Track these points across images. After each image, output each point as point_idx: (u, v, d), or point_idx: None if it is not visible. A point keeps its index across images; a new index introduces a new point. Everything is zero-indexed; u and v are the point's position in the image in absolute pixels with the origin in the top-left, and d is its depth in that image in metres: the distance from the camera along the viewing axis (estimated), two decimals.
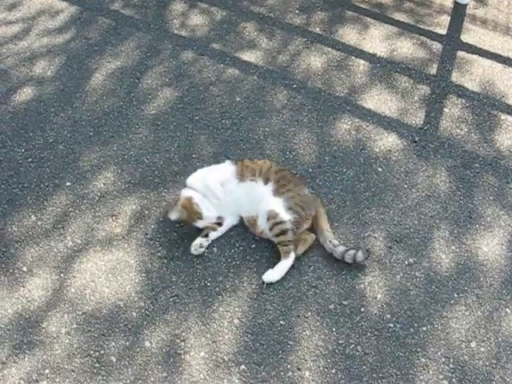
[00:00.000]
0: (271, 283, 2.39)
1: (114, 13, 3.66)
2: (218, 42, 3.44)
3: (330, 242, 2.45)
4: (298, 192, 2.51)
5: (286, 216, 2.42)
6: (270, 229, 2.43)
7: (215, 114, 3.04)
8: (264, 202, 2.46)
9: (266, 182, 2.51)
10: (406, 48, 3.39)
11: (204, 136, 2.94)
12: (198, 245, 2.46)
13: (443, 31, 3.49)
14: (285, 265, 2.40)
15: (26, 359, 2.23)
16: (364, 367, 2.19)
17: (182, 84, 3.20)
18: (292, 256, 2.41)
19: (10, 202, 2.70)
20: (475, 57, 3.33)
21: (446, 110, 3.05)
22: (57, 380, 2.17)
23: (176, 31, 3.52)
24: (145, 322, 2.31)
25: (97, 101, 3.13)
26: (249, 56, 3.35)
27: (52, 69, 3.32)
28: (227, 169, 2.56)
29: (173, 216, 2.48)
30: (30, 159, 2.87)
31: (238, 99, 3.12)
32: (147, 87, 3.19)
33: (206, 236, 2.50)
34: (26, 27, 3.59)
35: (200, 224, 2.48)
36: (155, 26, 3.55)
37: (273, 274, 2.39)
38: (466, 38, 3.44)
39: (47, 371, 2.20)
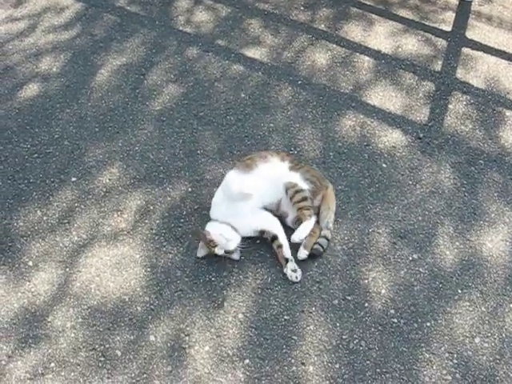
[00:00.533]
0: (301, 241, 2.44)
1: (120, 9, 3.67)
2: (222, 39, 3.45)
3: (327, 221, 2.52)
4: (311, 168, 2.66)
5: (304, 185, 2.51)
6: (291, 197, 2.48)
7: (220, 110, 3.05)
8: (283, 176, 2.53)
9: (282, 159, 2.59)
10: (411, 45, 3.39)
11: (209, 132, 2.95)
12: (291, 270, 2.40)
13: (448, 28, 3.49)
14: (307, 225, 2.45)
15: (32, 353, 2.24)
16: (368, 362, 2.19)
17: (187, 80, 3.21)
18: (313, 218, 2.48)
19: (16, 197, 2.72)
20: (480, 53, 3.33)
21: (450, 106, 3.05)
22: (62, 373, 2.18)
23: (181, 28, 3.53)
24: (150, 317, 2.32)
25: (102, 97, 3.14)
26: (254, 52, 3.35)
27: (57, 65, 3.33)
28: (237, 174, 2.52)
29: (200, 254, 2.46)
30: (35, 155, 2.88)
31: (242, 95, 3.12)
32: (152, 83, 3.20)
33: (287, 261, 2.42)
34: (32, 24, 3.60)
35: (223, 252, 2.41)
36: (160, 23, 3.56)
37: (299, 234, 2.44)
38: (470, 34, 3.44)
39: (53, 365, 2.21)
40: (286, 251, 2.42)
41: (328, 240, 2.49)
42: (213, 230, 2.42)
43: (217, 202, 2.53)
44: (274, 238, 2.46)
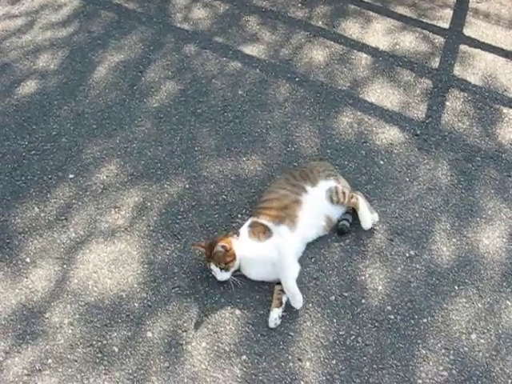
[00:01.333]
0: (373, 224, 2.52)
1: (117, 6, 3.67)
2: (220, 36, 3.45)
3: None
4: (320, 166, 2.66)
5: (333, 183, 2.53)
6: (337, 201, 2.49)
7: (218, 107, 3.05)
8: (321, 206, 2.50)
9: (305, 183, 2.53)
10: (409, 42, 3.39)
11: (206, 129, 2.95)
12: (278, 316, 2.30)
13: (446, 25, 3.49)
14: (364, 209, 2.49)
15: (29, 349, 2.24)
16: (364, 358, 2.20)
17: (184, 77, 3.21)
18: (360, 197, 2.52)
19: (14, 193, 2.72)
20: (478, 50, 3.33)
21: (448, 103, 3.06)
22: (59, 370, 2.19)
23: (179, 25, 3.53)
24: (147, 313, 2.32)
25: (100, 94, 3.15)
26: (251, 49, 3.35)
27: (55, 62, 3.33)
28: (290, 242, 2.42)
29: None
30: (33, 152, 2.88)
31: (240, 92, 3.12)
32: (150, 80, 3.21)
33: (281, 304, 2.32)
34: (30, 21, 3.60)
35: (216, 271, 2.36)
36: (158, 20, 3.56)
37: (366, 222, 2.50)
38: (468, 31, 3.44)
39: (50, 361, 2.21)
40: (285, 298, 2.32)
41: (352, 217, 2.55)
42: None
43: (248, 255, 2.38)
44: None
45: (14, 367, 2.20)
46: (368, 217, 2.50)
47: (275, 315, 2.27)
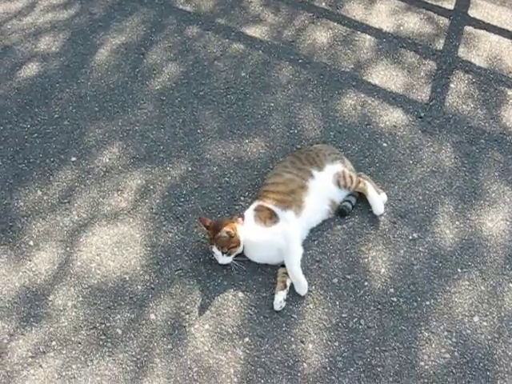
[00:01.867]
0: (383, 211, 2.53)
1: None
2: (222, 17, 3.42)
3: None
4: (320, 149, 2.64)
5: (340, 167, 2.53)
6: (345, 186, 2.49)
7: (220, 90, 3.03)
8: (326, 189, 2.50)
9: (314, 167, 2.52)
10: (413, 23, 3.36)
11: (209, 111, 2.94)
12: (283, 298, 2.30)
13: (451, 6, 3.45)
14: (373, 194, 2.51)
15: (33, 331, 2.26)
16: (367, 340, 2.20)
17: (186, 59, 3.19)
18: (367, 182, 2.53)
19: (16, 177, 2.72)
20: (483, 32, 3.30)
21: (452, 85, 3.03)
22: (63, 352, 2.20)
23: (181, 6, 3.49)
24: (150, 295, 2.33)
25: (102, 76, 3.13)
26: (254, 31, 3.33)
27: (57, 44, 3.31)
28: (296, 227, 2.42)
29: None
30: (35, 135, 2.87)
31: (243, 74, 3.10)
32: (152, 62, 3.19)
33: (285, 287, 2.31)
34: (31, 3, 3.57)
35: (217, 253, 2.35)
36: (160, 1, 3.53)
37: (378, 208, 2.51)
38: (473, 12, 3.40)
39: (54, 343, 2.23)
40: (290, 280, 2.32)
41: (356, 198, 2.55)
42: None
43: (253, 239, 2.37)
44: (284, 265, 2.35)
45: (18, 349, 2.21)
46: (379, 202, 2.51)
47: (280, 298, 2.27)
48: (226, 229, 2.30)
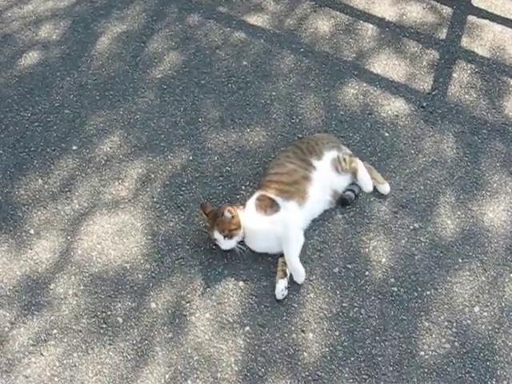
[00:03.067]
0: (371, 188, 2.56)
1: None
2: (224, 5, 3.40)
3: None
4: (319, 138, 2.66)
5: (340, 152, 2.56)
6: (342, 169, 2.51)
7: (221, 78, 3.02)
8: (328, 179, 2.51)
9: (314, 157, 2.53)
10: (416, 12, 3.33)
11: (210, 100, 2.93)
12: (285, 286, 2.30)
13: None
14: (363, 171, 2.54)
15: (35, 320, 2.26)
16: (367, 330, 2.21)
17: (188, 48, 3.18)
18: (359, 161, 2.56)
19: (17, 165, 2.71)
20: (486, 22, 3.27)
21: (454, 75, 3.02)
22: (64, 340, 2.21)
23: None
24: (151, 284, 2.33)
25: (103, 65, 3.12)
26: (256, 19, 3.31)
27: (57, 32, 3.30)
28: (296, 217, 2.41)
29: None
30: (36, 123, 2.87)
31: (244, 63, 3.09)
32: (153, 51, 3.17)
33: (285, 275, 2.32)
34: None
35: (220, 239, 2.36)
36: None
37: (367, 185, 2.55)
38: (476, 2, 3.38)
39: (55, 331, 2.23)
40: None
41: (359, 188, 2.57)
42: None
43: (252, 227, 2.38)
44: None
45: (19, 337, 2.22)
46: (368, 179, 2.53)
47: (281, 286, 2.28)
48: (228, 208, 2.31)
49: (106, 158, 2.73)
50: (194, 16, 3.34)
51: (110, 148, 2.76)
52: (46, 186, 2.64)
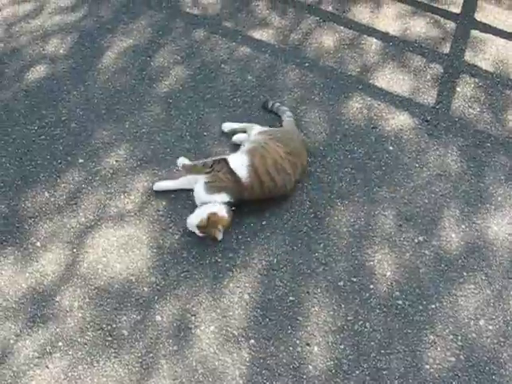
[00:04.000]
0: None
1: None
2: (229, 20, 3.43)
3: None
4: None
5: None
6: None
7: (227, 92, 3.04)
8: None
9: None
10: (419, 27, 3.36)
11: (215, 114, 2.95)
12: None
13: (457, 10, 3.45)
14: None
15: (40, 332, 2.27)
16: (372, 343, 2.21)
17: (193, 62, 3.20)
18: None
19: (24, 178, 2.73)
20: (489, 36, 3.29)
21: (458, 89, 3.04)
22: (70, 352, 2.21)
23: (188, 9, 3.51)
24: (156, 297, 2.34)
25: (109, 79, 3.14)
26: (261, 34, 3.34)
27: (64, 47, 3.33)
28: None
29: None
30: (42, 136, 2.89)
31: (249, 77, 3.11)
32: (159, 65, 3.20)
33: None
34: (39, 6, 3.59)
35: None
36: (167, 5, 3.54)
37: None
38: (480, 16, 3.40)
39: (60, 344, 2.24)
40: None
41: None
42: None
43: None
44: None
45: (24, 350, 2.23)
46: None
47: None
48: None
49: (111, 171, 2.74)
50: (200, 31, 3.37)
51: (116, 161, 2.78)
52: (52, 199, 2.66)
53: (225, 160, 2.50)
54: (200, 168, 2.53)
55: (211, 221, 2.38)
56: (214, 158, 2.54)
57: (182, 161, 2.63)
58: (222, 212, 2.41)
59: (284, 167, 2.49)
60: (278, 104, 2.89)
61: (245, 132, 2.76)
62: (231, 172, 2.46)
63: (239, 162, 2.48)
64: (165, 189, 2.64)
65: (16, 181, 2.72)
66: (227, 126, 2.83)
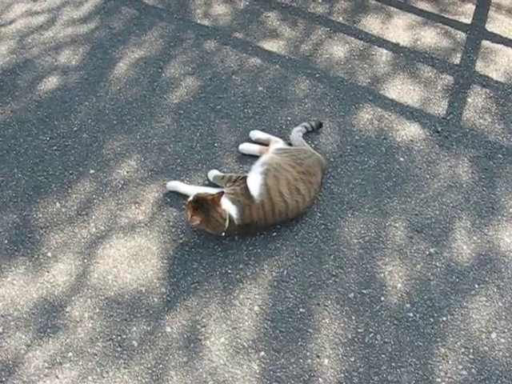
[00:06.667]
0: None
1: (138, 2, 3.68)
2: (240, 32, 3.44)
3: None
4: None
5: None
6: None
7: (237, 103, 3.05)
8: None
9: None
10: (430, 37, 3.36)
11: (226, 125, 2.96)
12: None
13: (468, 20, 3.45)
14: None
15: (50, 342, 2.27)
16: (383, 356, 2.19)
17: (204, 73, 3.22)
18: None
19: (35, 189, 2.75)
20: (500, 46, 3.29)
21: (469, 99, 3.03)
22: (80, 363, 2.21)
23: (199, 21, 3.53)
24: (166, 308, 2.34)
25: (120, 90, 3.16)
26: (271, 45, 3.35)
27: (76, 58, 3.36)
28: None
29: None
30: (54, 147, 2.91)
31: (260, 88, 3.12)
32: (170, 76, 3.22)
33: None
34: (51, 17, 3.63)
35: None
36: (178, 16, 3.57)
37: None
38: (490, 27, 3.40)
39: (70, 354, 2.24)
40: None
41: None
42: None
43: None
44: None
45: (35, 360, 2.23)
46: None
47: None
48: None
49: (122, 181, 2.76)
50: (211, 42, 3.39)
51: (127, 172, 2.79)
52: (63, 210, 2.67)
53: (245, 177, 2.54)
54: (226, 179, 2.60)
55: (215, 197, 2.39)
56: (239, 175, 2.60)
57: (214, 173, 2.68)
58: (227, 207, 2.43)
59: (298, 188, 2.49)
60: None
61: (264, 144, 2.78)
62: (246, 188, 2.48)
63: (253, 180, 2.52)
64: (175, 189, 2.67)
65: (28, 191, 2.74)
66: (255, 135, 2.83)
